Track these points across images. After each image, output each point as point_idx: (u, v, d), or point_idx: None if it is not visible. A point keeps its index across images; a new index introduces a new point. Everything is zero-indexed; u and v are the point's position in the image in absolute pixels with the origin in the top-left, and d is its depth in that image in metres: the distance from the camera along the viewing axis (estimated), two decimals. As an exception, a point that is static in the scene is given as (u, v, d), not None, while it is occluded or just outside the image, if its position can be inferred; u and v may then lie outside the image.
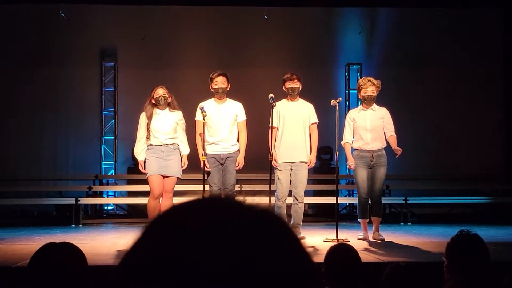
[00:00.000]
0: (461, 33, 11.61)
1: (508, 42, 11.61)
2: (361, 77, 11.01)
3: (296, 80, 7.08)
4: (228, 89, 7.01)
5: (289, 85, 7.07)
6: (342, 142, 7.22)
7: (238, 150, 7.05)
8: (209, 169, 6.91)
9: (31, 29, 11.10)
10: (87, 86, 11.35)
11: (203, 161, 6.85)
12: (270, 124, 7.00)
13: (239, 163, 6.98)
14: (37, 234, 7.77)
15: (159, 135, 6.69)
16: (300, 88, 7.12)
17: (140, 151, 6.80)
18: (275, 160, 6.93)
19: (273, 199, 6.91)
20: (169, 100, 6.75)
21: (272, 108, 6.84)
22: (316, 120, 7.17)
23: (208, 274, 0.62)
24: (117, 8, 11.18)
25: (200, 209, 0.69)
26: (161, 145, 6.69)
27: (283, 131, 6.99)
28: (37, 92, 11.18)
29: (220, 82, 6.94)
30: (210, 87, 7.02)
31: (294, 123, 7.03)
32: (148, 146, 6.74)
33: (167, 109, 6.77)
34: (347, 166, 7.09)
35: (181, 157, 6.84)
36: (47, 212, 10.69)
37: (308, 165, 7.06)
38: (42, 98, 11.18)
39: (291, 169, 7.01)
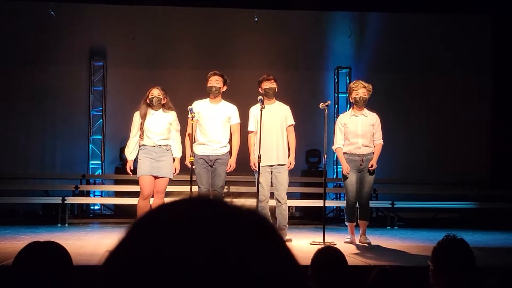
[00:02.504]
0: (450, 38, 11.68)
1: (496, 48, 11.70)
2: (350, 81, 11.07)
3: (272, 81, 7.07)
4: (223, 89, 7.01)
5: (266, 85, 7.05)
6: (333, 147, 7.21)
7: (228, 152, 7.04)
8: (194, 167, 6.90)
9: (20, 27, 11.04)
10: (76, 85, 11.30)
11: (190, 162, 6.84)
12: (249, 129, 7.03)
13: (230, 166, 6.97)
14: (23, 233, 7.71)
15: (152, 136, 6.68)
16: (276, 89, 7.12)
17: (131, 150, 6.76)
18: (254, 164, 6.93)
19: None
20: (163, 102, 6.74)
21: (261, 110, 6.84)
22: (293, 122, 7.16)
23: (193, 275, 0.61)
24: (107, 7, 11.15)
25: (186, 209, 0.68)
26: (154, 146, 6.67)
27: (261, 135, 6.97)
28: (25, 90, 11.12)
29: (214, 81, 6.94)
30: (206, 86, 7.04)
31: (271, 126, 7.01)
32: (141, 146, 6.72)
33: (160, 109, 6.76)
34: (344, 172, 7.04)
35: (173, 160, 6.82)
36: (33, 211, 10.63)
37: (288, 167, 7.06)
38: (30, 96, 11.12)
39: (271, 172, 7.01)
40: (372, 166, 6.97)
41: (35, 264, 2.10)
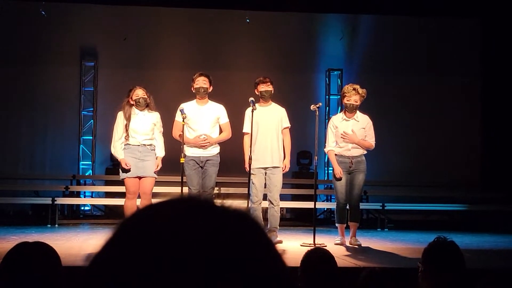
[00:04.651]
0: (440, 42, 11.73)
1: (486, 52, 11.76)
2: (341, 83, 11.11)
3: (269, 83, 7.07)
4: (209, 90, 7.00)
5: (262, 88, 7.05)
6: (326, 150, 7.21)
7: (218, 153, 7.02)
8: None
9: (10, 27, 10.98)
10: (67, 85, 11.26)
11: (182, 163, 6.83)
12: (244, 130, 7.01)
13: (205, 140, 6.85)
14: (12, 234, 7.68)
15: (137, 136, 6.66)
16: (273, 92, 7.11)
17: (119, 150, 6.73)
18: (248, 165, 6.91)
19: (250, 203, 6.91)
20: (148, 101, 6.73)
21: (253, 112, 6.84)
22: (288, 125, 7.16)
23: (179, 275, 0.61)
24: (98, 7, 11.12)
25: (173, 210, 0.68)
26: (138, 145, 6.66)
27: (257, 136, 6.97)
28: (16, 90, 11.07)
29: (201, 82, 6.92)
30: (192, 87, 7.00)
31: (267, 128, 7.01)
32: (125, 145, 6.69)
33: (145, 110, 6.75)
34: (336, 175, 7.05)
35: (156, 159, 6.80)
36: (23, 212, 10.56)
37: (283, 170, 7.06)
38: (20, 96, 11.06)
39: (266, 174, 7.00)
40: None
41: (24, 265, 2.09)
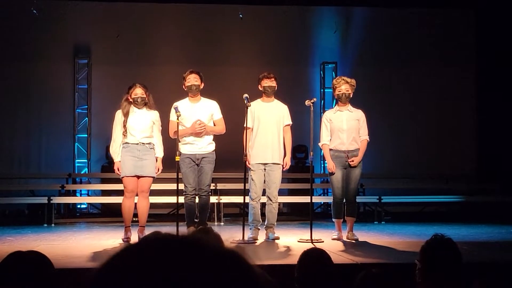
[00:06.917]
0: (434, 34, 11.72)
1: (480, 43, 11.75)
2: (336, 76, 11.08)
3: (273, 79, 7.05)
4: (201, 87, 6.96)
5: (266, 83, 7.02)
6: (320, 144, 7.20)
7: (214, 150, 7.00)
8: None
9: (2, 25, 10.93)
10: (60, 83, 11.22)
11: (177, 161, 6.80)
12: (245, 125, 6.97)
13: (199, 125, 6.79)
14: (8, 234, 7.65)
15: (136, 133, 6.62)
16: (276, 88, 7.10)
17: (116, 150, 6.69)
18: (248, 161, 6.89)
19: (247, 198, 6.90)
20: (146, 100, 6.70)
21: (247, 108, 6.81)
22: (290, 122, 7.13)
23: None
24: (91, 4, 11.08)
25: (162, 251, 0.67)
26: (137, 144, 6.62)
27: (257, 132, 6.95)
28: (9, 89, 11.04)
29: (192, 79, 6.89)
30: (184, 86, 6.96)
31: (268, 124, 6.98)
32: (123, 144, 6.65)
33: (144, 108, 6.72)
34: (327, 169, 7.07)
35: (156, 160, 6.78)
36: (19, 211, 10.54)
37: (283, 168, 7.04)
38: (14, 95, 11.03)
39: (265, 170, 6.98)
40: (352, 161, 6.94)
41: (16, 275, 2.07)
